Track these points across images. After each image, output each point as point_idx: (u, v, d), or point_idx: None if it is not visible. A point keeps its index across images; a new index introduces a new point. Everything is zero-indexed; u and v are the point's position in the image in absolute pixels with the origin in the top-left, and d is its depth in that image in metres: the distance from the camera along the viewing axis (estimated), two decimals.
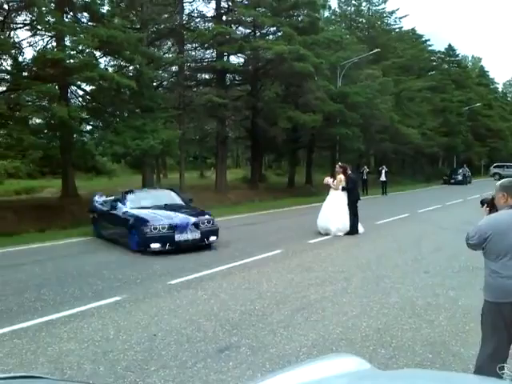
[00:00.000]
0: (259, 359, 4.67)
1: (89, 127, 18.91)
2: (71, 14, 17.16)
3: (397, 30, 44.29)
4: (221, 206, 18.47)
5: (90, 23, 17.30)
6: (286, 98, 25.87)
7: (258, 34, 25.20)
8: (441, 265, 8.85)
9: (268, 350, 4.90)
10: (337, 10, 41.13)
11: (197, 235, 10.35)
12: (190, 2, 24.20)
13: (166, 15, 23.62)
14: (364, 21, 41.72)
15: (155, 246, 9.96)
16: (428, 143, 38.85)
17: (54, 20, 14.40)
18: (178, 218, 10.46)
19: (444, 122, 43.44)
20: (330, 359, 2.21)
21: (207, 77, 26.77)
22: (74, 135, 17.12)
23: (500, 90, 74.41)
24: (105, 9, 17.19)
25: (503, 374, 3.49)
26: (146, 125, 16.35)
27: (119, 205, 11.34)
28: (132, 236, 10.35)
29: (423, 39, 48.37)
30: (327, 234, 12.26)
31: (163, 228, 10.04)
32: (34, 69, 15.24)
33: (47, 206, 15.92)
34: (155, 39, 23.35)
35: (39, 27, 15.34)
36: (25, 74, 15.50)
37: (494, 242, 3.57)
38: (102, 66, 17.81)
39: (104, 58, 18.80)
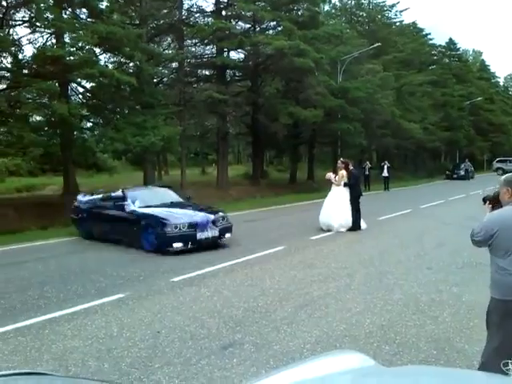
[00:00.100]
0: (263, 356, 4.67)
1: (89, 124, 18.93)
2: (70, 10, 17.14)
3: (397, 23, 44.10)
4: (222, 202, 18.45)
5: (88, 19, 17.28)
6: (287, 94, 25.82)
7: (258, 28, 25.15)
8: (444, 261, 8.84)
9: (272, 346, 4.90)
10: (337, 3, 40.88)
11: (216, 233, 10.26)
12: None
13: (165, 10, 23.55)
14: (364, 15, 41.53)
15: (177, 245, 9.68)
16: (430, 138, 38.78)
17: (52, 16, 14.38)
18: (199, 215, 10.26)
19: (445, 116, 43.35)
20: (333, 356, 2.20)
21: (207, 73, 26.77)
22: (75, 132, 17.11)
23: (501, 84, 74.26)
24: (103, 4, 17.14)
25: (508, 370, 3.49)
26: (146, 121, 16.33)
27: (123, 203, 10.81)
28: (146, 236, 10.03)
29: (424, 33, 48.17)
30: (329, 230, 12.25)
31: (184, 226, 9.81)
32: (34, 66, 15.22)
33: (49, 204, 15.92)
34: (155, 35, 23.28)
35: (38, 24, 15.32)
36: (25, 71, 15.48)
37: (502, 238, 3.53)
38: (101, 62, 17.87)
39: (104, 54, 18.81)
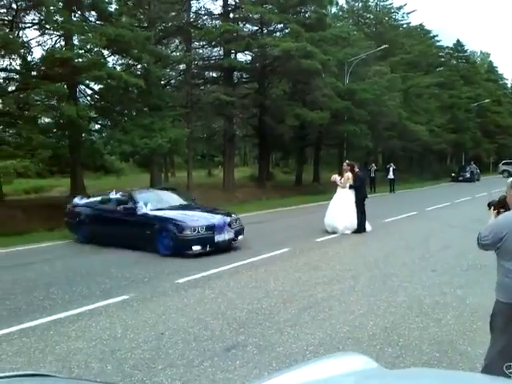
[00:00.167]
0: (266, 358, 4.69)
1: (97, 126, 19.03)
2: (79, 12, 17.24)
3: (404, 25, 44.02)
4: (228, 204, 18.46)
5: (97, 22, 17.39)
6: (294, 96, 25.80)
7: (266, 31, 25.20)
8: (449, 263, 8.82)
9: (275, 348, 4.91)
10: (344, 5, 40.92)
11: (231, 235, 10.26)
12: (197, 0, 24.26)
13: (174, 13, 23.69)
14: (372, 17, 41.48)
15: (196, 248, 9.60)
16: (436, 140, 38.63)
17: (62, 19, 14.50)
18: (216, 218, 10.22)
19: (452, 118, 43.16)
20: (336, 358, 2.21)
21: (215, 75, 26.82)
22: (83, 134, 17.19)
23: (509, 85, 73.59)
24: (112, 7, 17.35)
25: (511, 373, 3.49)
26: (153, 123, 16.41)
27: (133, 206, 10.61)
28: (161, 239, 9.90)
29: (431, 35, 48.04)
30: (334, 233, 12.24)
31: (202, 229, 9.73)
32: (42, 68, 15.34)
33: (56, 205, 15.95)
34: (163, 37, 23.42)
35: (47, 26, 15.45)
36: (34, 73, 15.61)
37: (511, 241, 3.50)
38: (110, 64, 17.92)
39: (112, 56, 18.90)
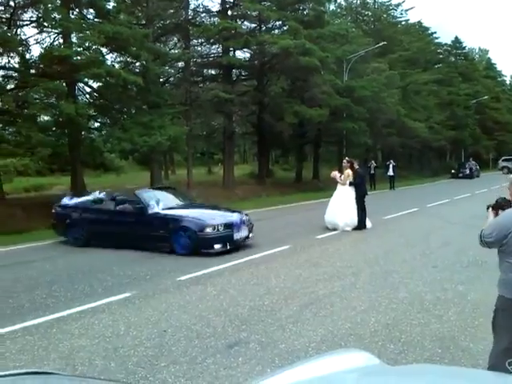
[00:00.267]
0: (268, 355, 4.70)
1: (96, 124, 19.02)
2: (77, 10, 17.22)
3: (403, 22, 43.93)
4: (228, 201, 18.46)
5: (95, 19, 17.36)
6: (292, 93, 25.79)
7: (264, 28, 25.17)
8: (449, 259, 8.84)
9: (277, 345, 4.93)
10: (342, 3, 40.76)
11: (246, 232, 10.28)
12: None
13: (172, 10, 23.59)
14: (370, 14, 41.40)
15: (218, 246, 9.52)
16: (435, 137, 38.63)
17: (60, 17, 14.47)
18: (233, 216, 10.18)
19: (451, 115, 43.19)
20: (338, 355, 2.22)
21: (213, 72, 26.81)
22: (82, 132, 17.18)
23: (508, 82, 73.67)
24: (110, 5, 17.26)
25: None
26: (153, 121, 16.39)
27: (142, 206, 10.20)
28: (178, 238, 9.65)
29: (429, 32, 48.03)
30: (335, 229, 12.26)
31: (221, 227, 9.64)
32: (41, 66, 15.31)
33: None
34: (161, 35, 23.35)
35: (46, 24, 15.41)
36: (32, 71, 15.58)
37: None
38: (108, 62, 17.89)
39: (110, 54, 18.86)
